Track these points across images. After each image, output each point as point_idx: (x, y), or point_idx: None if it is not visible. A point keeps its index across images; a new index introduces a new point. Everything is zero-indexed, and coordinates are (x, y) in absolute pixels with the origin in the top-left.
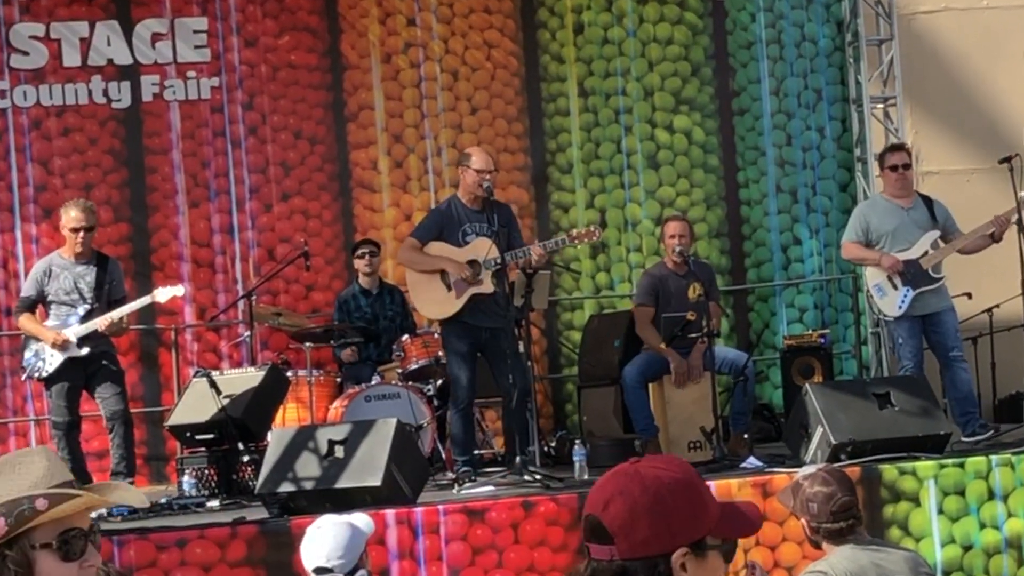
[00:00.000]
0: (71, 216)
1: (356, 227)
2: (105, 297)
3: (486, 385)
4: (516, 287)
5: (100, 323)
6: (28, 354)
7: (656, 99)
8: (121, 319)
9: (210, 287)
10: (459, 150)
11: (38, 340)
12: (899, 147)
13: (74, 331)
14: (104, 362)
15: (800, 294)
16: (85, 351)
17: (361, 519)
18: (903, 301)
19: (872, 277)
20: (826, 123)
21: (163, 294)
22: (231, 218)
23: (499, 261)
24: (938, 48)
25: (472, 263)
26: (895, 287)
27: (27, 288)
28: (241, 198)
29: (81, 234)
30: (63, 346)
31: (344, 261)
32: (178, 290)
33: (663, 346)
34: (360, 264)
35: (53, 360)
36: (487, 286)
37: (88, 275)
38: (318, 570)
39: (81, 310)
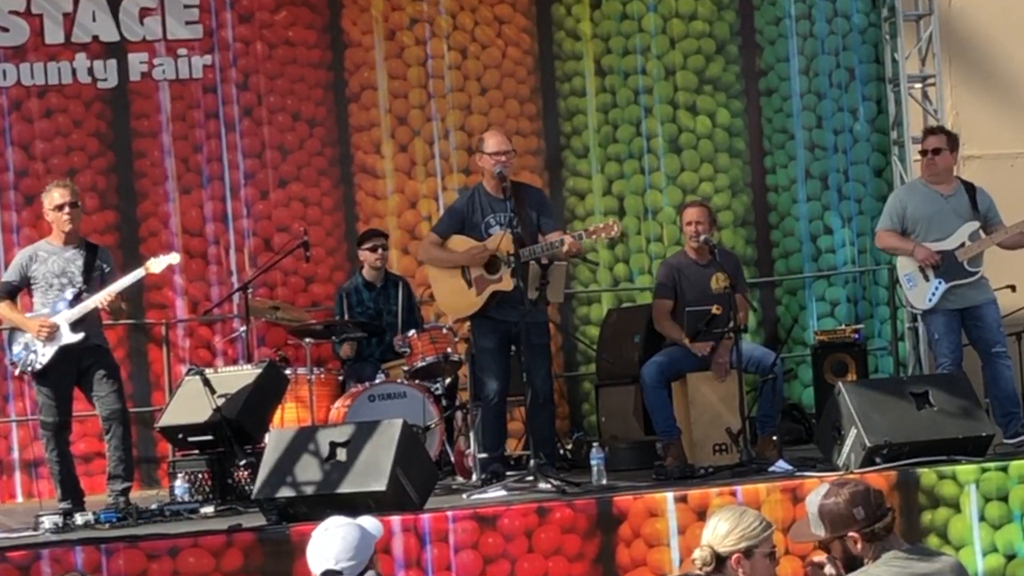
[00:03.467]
0: (53, 196)
1: (358, 215)
2: (96, 283)
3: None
4: (530, 279)
5: (100, 298)
6: (17, 348)
7: (678, 79)
8: (121, 297)
9: (203, 279)
10: (468, 133)
11: (23, 332)
12: (935, 131)
13: (64, 316)
14: (99, 357)
15: (831, 287)
16: (79, 337)
17: (369, 521)
18: (933, 294)
19: (904, 267)
20: (859, 104)
21: (157, 264)
22: (225, 206)
23: (513, 258)
24: (980, 23)
25: (492, 259)
26: (926, 279)
27: (8, 274)
28: (235, 184)
29: (67, 210)
30: (50, 335)
31: (346, 252)
32: (172, 258)
33: (687, 341)
34: (371, 257)
35: (46, 351)
36: (506, 283)
37: (78, 259)
38: (327, 573)
39: (69, 294)
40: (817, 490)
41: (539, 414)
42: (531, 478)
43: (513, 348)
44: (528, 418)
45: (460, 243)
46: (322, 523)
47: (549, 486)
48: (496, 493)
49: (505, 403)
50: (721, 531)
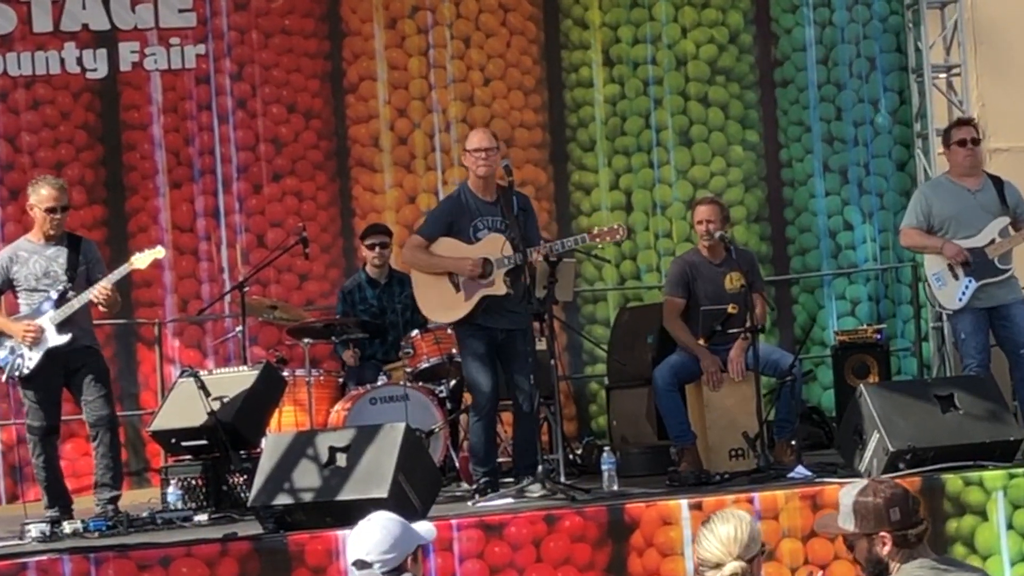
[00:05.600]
0: (43, 195)
1: (355, 210)
2: (81, 279)
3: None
4: (538, 277)
5: (93, 292)
6: (2, 352)
7: (690, 68)
8: (115, 289)
9: (193, 276)
10: (469, 125)
11: (8, 336)
12: (967, 121)
13: (50, 317)
14: (88, 359)
15: (852, 284)
16: (66, 339)
17: (423, 525)
18: (964, 293)
19: (932, 266)
20: (881, 95)
21: (141, 259)
22: (217, 200)
23: (512, 260)
24: (1007, 11)
25: (483, 262)
26: (956, 277)
27: None
28: (228, 178)
29: (57, 214)
30: (35, 339)
31: (342, 247)
32: (158, 252)
33: (699, 342)
34: (370, 255)
35: (32, 356)
36: (499, 287)
37: (60, 256)
38: (357, 563)
39: (54, 293)
40: (854, 484)
41: (525, 424)
42: (537, 485)
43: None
44: (528, 425)
45: (447, 246)
46: (370, 514)
47: (547, 492)
48: (502, 500)
49: (496, 413)
50: (743, 539)
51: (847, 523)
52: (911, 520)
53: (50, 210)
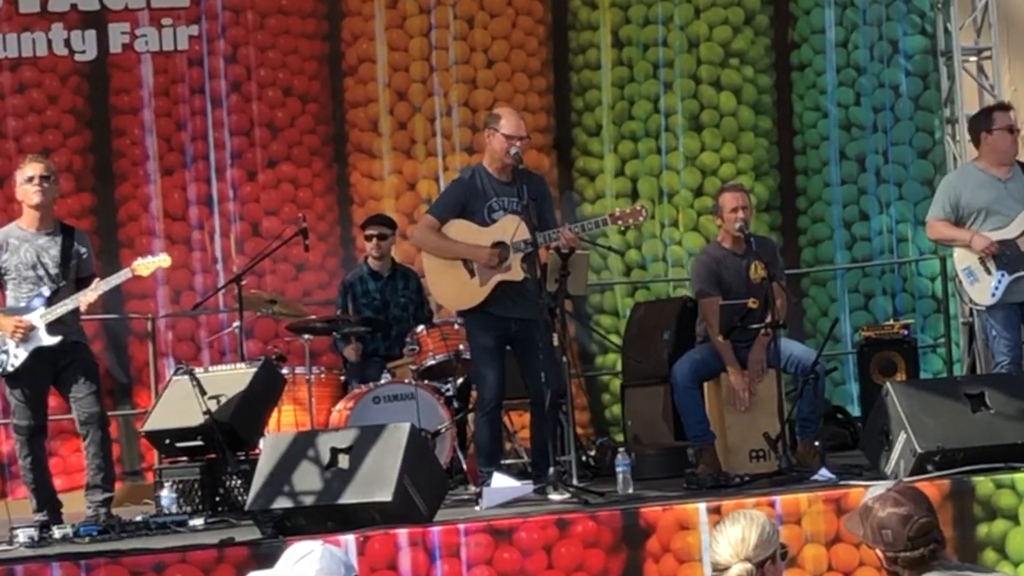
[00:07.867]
0: (26, 170)
1: (352, 197)
2: (73, 274)
3: (514, 385)
4: (549, 270)
5: (80, 301)
6: None
7: (702, 51)
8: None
9: (186, 267)
10: (472, 109)
11: None
12: (1007, 106)
13: (40, 315)
14: (77, 355)
15: (866, 277)
16: (57, 339)
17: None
18: (997, 288)
19: (961, 260)
20: (902, 80)
21: (144, 267)
22: (210, 188)
23: (530, 243)
24: None
25: (499, 246)
26: (988, 271)
27: None
28: (221, 164)
29: (37, 181)
30: (26, 336)
31: (339, 236)
32: (163, 261)
33: (720, 339)
34: (368, 247)
35: (18, 353)
36: (516, 272)
37: (52, 248)
38: None
39: (46, 290)
40: (879, 486)
41: (549, 420)
42: (549, 487)
43: (509, 347)
44: (544, 423)
45: (460, 228)
46: (299, 547)
47: (568, 496)
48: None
49: (501, 409)
50: (752, 540)
51: (856, 526)
52: (906, 546)
53: (29, 179)
